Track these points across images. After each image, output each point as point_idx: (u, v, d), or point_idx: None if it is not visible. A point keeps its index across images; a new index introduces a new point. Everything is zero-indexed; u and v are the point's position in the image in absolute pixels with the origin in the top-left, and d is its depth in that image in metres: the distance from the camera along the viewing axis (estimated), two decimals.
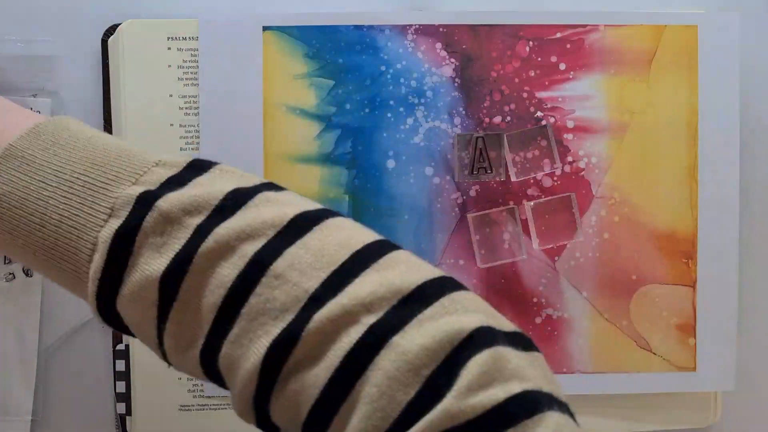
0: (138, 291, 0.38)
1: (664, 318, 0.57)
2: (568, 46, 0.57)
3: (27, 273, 0.58)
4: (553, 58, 0.57)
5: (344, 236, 0.37)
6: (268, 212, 0.37)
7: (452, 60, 0.57)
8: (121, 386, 0.57)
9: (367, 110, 0.57)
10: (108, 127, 0.57)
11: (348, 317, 0.34)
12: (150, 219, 0.38)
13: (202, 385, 0.57)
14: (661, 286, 0.57)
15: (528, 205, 0.57)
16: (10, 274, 0.57)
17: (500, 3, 0.59)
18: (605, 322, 0.57)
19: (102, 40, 0.57)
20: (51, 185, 0.39)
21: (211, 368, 0.38)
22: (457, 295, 0.35)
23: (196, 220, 0.37)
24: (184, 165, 0.40)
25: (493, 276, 0.57)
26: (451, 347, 0.33)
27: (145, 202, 0.38)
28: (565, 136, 0.57)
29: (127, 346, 0.57)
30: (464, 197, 0.57)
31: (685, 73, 0.58)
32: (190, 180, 0.39)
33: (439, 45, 0.57)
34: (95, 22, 0.58)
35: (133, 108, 0.57)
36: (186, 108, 0.57)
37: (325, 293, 0.35)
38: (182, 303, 0.37)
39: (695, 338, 0.58)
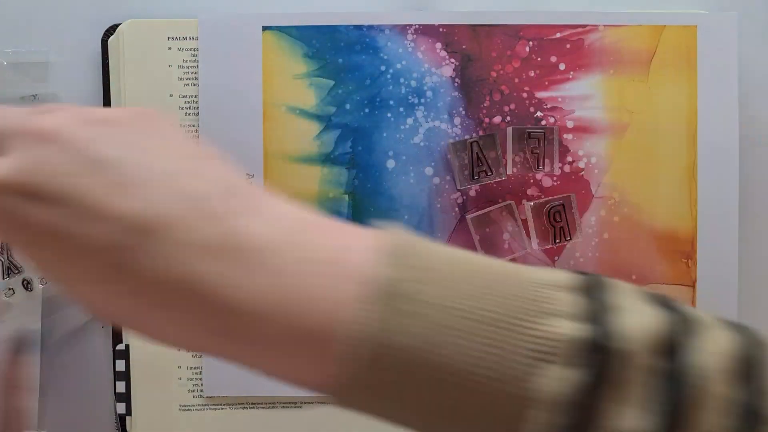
0: None
1: None
2: (568, 46, 0.57)
3: (27, 288, 0.57)
4: (553, 58, 0.57)
5: None
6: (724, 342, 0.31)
7: (452, 60, 0.57)
8: (121, 386, 0.57)
9: (367, 110, 0.57)
10: None
11: None
12: (610, 365, 0.30)
13: (202, 385, 0.57)
14: (660, 286, 0.57)
15: (528, 204, 0.57)
16: (10, 289, 0.57)
17: (500, 3, 0.59)
18: None
19: (102, 40, 0.57)
20: (463, 330, 0.30)
21: None
22: None
23: (661, 361, 0.30)
24: (577, 284, 0.32)
25: None
26: None
27: (593, 342, 0.30)
28: (564, 136, 0.57)
29: (127, 346, 0.57)
30: (464, 197, 0.57)
31: (684, 74, 0.58)
32: (604, 305, 0.31)
33: (439, 45, 0.57)
34: (95, 23, 0.58)
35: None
36: (186, 108, 0.57)
37: None
38: None
39: None
